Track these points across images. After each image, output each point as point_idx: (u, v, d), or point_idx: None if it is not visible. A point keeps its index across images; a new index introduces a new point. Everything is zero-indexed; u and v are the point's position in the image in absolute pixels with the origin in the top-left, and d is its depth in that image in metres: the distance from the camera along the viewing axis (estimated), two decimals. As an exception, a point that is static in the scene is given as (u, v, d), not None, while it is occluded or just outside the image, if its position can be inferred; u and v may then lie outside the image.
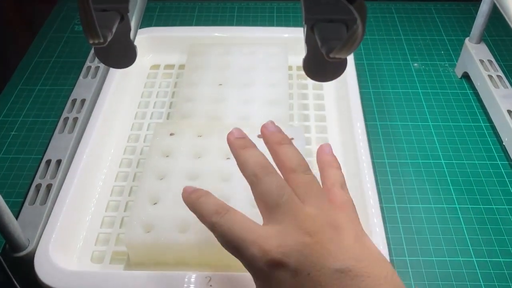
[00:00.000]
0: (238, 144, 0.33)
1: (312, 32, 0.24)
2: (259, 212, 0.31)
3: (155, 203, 0.42)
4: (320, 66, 0.25)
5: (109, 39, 0.25)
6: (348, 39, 0.22)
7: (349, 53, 0.23)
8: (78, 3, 0.23)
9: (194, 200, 0.33)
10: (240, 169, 0.33)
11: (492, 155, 0.52)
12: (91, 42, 0.24)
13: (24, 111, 0.57)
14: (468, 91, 0.59)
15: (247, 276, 0.37)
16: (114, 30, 0.25)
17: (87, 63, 0.58)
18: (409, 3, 0.73)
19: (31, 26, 0.72)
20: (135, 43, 0.31)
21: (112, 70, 0.55)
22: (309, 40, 0.25)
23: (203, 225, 0.40)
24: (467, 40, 0.59)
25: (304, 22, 0.24)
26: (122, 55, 0.27)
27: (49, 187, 0.44)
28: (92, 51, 0.60)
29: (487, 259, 0.43)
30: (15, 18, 0.76)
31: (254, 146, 0.34)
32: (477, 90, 0.58)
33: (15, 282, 0.33)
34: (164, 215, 0.41)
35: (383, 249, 0.38)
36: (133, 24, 0.27)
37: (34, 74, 0.63)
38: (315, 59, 0.25)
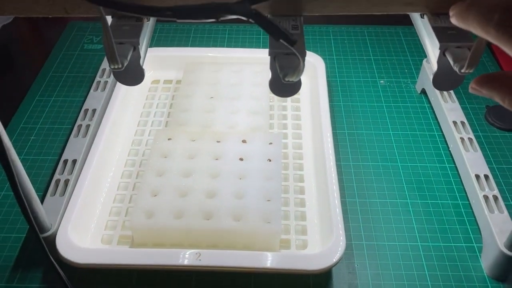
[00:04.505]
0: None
1: (274, 61, 0.33)
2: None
3: (155, 195, 0.51)
4: (281, 86, 0.34)
5: (125, 65, 0.33)
6: (295, 69, 0.31)
7: (297, 78, 0.32)
8: (103, 38, 0.32)
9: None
10: None
11: (441, 159, 0.61)
12: (112, 67, 0.33)
13: (41, 119, 0.66)
14: (426, 104, 0.68)
15: (230, 252, 0.46)
16: (128, 58, 0.34)
17: (97, 78, 0.67)
18: (380, 26, 0.83)
19: (45, 45, 0.81)
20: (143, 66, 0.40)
21: (118, 84, 0.64)
22: (272, 67, 0.34)
23: (195, 212, 0.49)
24: (424, 60, 0.69)
25: (268, 54, 0.34)
26: (134, 76, 0.36)
27: (66, 181, 0.53)
28: (101, 67, 0.69)
29: (430, 244, 0.52)
30: (31, 38, 0.86)
31: None
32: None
33: (51, 257, 0.40)
34: (162, 205, 0.50)
35: (341, 235, 0.47)
36: (142, 52, 0.36)
37: (49, 87, 0.72)
38: (277, 81, 0.34)
